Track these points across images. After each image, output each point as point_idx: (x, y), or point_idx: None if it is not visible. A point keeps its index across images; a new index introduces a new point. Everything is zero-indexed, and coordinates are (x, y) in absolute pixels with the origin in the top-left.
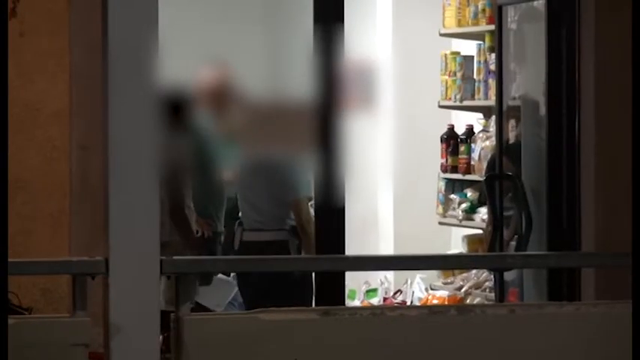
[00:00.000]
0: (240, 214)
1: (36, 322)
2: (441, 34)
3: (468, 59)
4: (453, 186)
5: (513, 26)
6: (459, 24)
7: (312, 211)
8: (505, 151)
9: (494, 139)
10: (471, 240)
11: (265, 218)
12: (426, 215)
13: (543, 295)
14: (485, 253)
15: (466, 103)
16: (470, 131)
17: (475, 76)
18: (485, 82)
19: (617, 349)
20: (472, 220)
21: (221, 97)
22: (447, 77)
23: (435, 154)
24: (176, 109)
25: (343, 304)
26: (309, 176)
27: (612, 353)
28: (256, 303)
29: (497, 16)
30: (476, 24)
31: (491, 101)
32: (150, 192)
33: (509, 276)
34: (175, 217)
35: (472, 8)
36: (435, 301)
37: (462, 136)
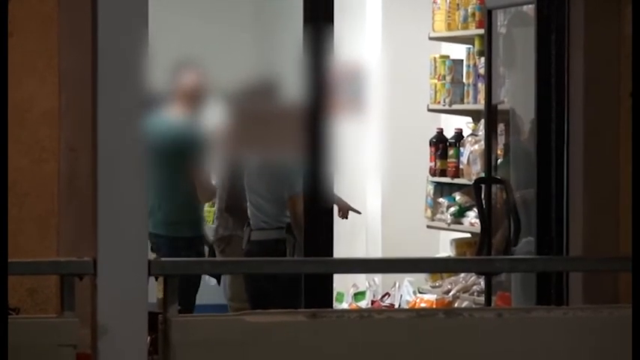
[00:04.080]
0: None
1: (23, 322)
2: (431, 38)
3: (458, 63)
4: (441, 190)
5: (503, 30)
6: (449, 28)
7: None
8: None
9: (482, 143)
10: (459, 243)
11: (268, 217)
12: (415, 218)
13: (532, 299)
14: (474, 257)
15: (455, 106)
16: (459, 135)
17: (464, 80)
18: (475, 86)
19: (604, 353)
20: (460, 223)
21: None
22: (436, 81)
23: (423, 158)
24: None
25: (331, 306)
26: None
27: (599, 357)
28: (248, 304)
29: (487, 20)
30: (465, 28)
31: (481, 105)
32: (138, 193)
33: (497, 280)
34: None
35: (462, 12)
36: (423, 305)
37: (450, 140)
